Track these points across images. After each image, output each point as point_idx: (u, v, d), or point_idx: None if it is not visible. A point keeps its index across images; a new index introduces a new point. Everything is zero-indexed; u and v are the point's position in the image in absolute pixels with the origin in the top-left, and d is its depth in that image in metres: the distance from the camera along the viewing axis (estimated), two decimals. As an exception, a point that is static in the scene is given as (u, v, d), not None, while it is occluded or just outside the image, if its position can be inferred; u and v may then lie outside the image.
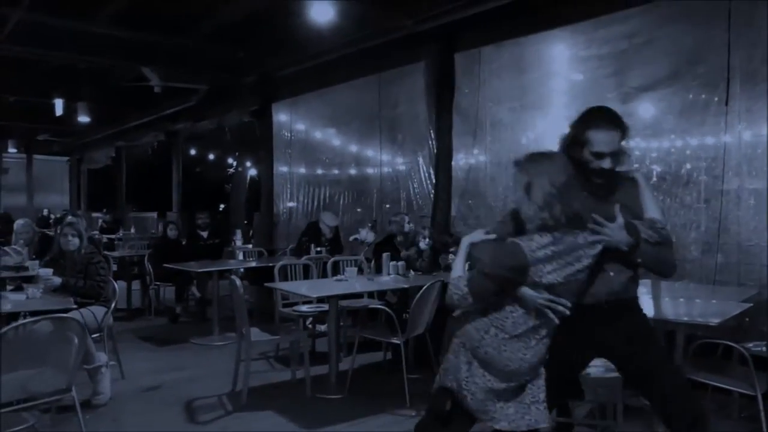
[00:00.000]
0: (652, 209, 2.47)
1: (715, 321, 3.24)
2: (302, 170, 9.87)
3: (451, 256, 5.67)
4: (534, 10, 5.69)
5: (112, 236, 11.43)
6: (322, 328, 5.59)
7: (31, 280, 4.66)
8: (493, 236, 2.43)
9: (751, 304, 3.74)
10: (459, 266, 2.40)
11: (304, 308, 5.41)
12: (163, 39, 7.79)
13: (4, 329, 3.00)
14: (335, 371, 4.53)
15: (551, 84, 6.16)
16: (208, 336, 6.24)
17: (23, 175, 17.71)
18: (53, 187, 19.14)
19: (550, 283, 2.22)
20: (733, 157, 4.84)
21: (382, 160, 8.31)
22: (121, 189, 16.11)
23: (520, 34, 6.10)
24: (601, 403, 3.60)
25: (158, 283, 7.59)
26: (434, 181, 6.99)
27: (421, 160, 7.32)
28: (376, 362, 5.25)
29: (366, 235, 6.68)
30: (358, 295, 5.48)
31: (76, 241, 4.67)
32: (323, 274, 5.99)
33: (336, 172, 9.27)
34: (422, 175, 7.36)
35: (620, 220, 2.34)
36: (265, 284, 5.31)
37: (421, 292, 4.30)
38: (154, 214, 14.99)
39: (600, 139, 2.40)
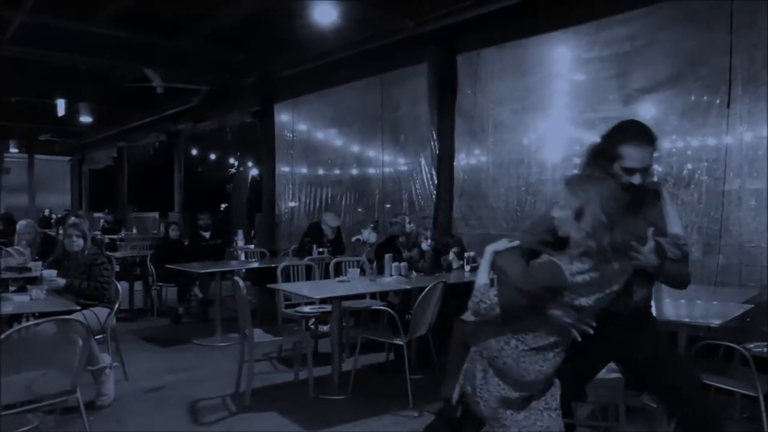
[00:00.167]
0: (674, 224, 2.48)
1: (716, 322, 3.26)
2: (304, 170, 9.89)
3: (452, 256, 5.70)
4: (536, 12, 5.72)
5: (114, 237, 11.45)
6: (325, 329, 5.60)
7: (34, 281, 4.68)
8: (516, 242, 2.41)
9: (752, 305, 3.76)
10: (484, 274, 2.37)
11: (307, 309, 5.43)
12: (164, 40, 7.82)
13: (8, 331, 3.02)
14: (338, 372, 4.55)
15: (553, 85, 6.18)
16: (210, 337, 6.26)
17: (24, 176, 17.75)
18: (54, 187, 19.18)
19: (581, 306, 2.23)
20: (734, 158, 4.86)
21: (384, 161, 8.33)
22: (122, 189, 16.13)
23: (521, 36, 6.12)
24: (603, 404, 3.61)
25: (160, 283, 7.60)
26: (436, 181, 7.01)
27: (423, 160, 7.34)
28: (379, 363, 5.26)
29: (368, 235, 6.69)
30: (360, 296, 5.50)
31: (81, 242, 4.68)
32: (325, 275, 6.00)
33: (338, 172, 9.28)
34: (424, 175, 7.38)
35: (651, 243, 2.35)
36: (268, 285, 5.32)
37: (423, 293, 4.32)
38: (156, 215, 15.00)
39: (633, 155, 2.39)
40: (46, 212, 16.50)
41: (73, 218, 6.58)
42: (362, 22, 6.50)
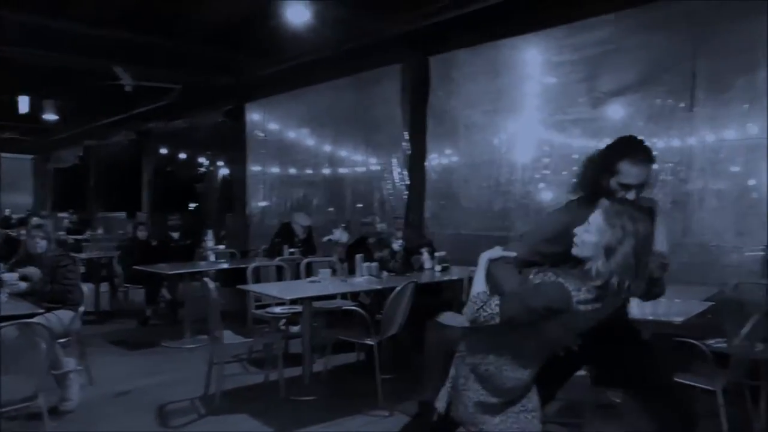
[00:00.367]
0: (661, 242, 2.51)
1: (678, 319, 3.35)
2: (276, 170, 9.83)
3: (425, 256, 5.73)
4: (508, 15, 5.78)
5: (79, 237, 11.20)
6: (296, 329, 5.57)
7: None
8: (513, 254, 2.41)
9: (713, 303, 3.86)
10: (481, 282, 2.34)
11: (278, 310, 5.39)
12: (135, 37, 7.67)
13: (-31, 335, 2.94)
14: (309, 373, 4.53)
15: (524, 88, 6.26)
16: (179, 339, 6.17)
17: (-14, 174, 17.25)
18: (17, 186, 18.65)
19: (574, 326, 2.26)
20: (698, 160, 4.99)
21: (357, 161, 8.33)
22: (89, 189, 15.80)
23: (494, 39, 6.19)
24: (571, 401, 3.68)
25: (128, 285, 7.46)
26: (408, 182, 7.04)
27: (395, 161, 7.36)
28: (350, 363, 5.26)
29: (340, 235, 6.65)
30: (331, 297, 5.48)
31: (44, 243, 4.57)
32: (296, 276, 5.97)
33: (310, 172, 9.25)
34: (396, 176, 7.41)
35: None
36: (238, 286, 5.27)
37: (394, 293, 4.33)
38: (124, 215, 14.72)
39: (631, 172, 2.41)
40: (7, 212, 16.04)
41: (36, 219, 6.43)
42: (337, 23, 6.48)
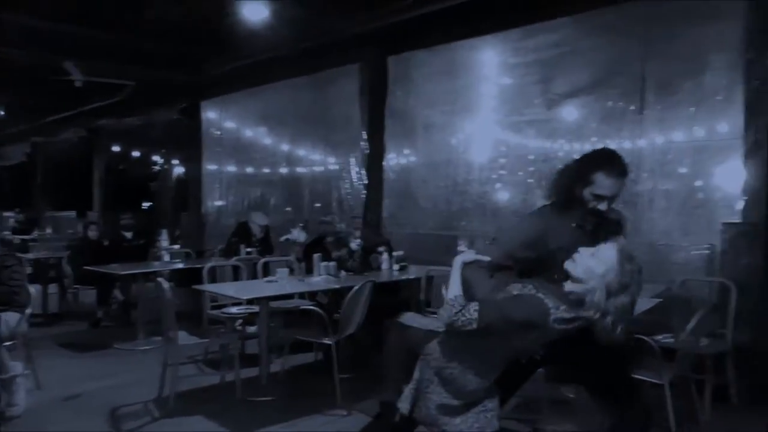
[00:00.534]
0: None
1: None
2: (232, 169, 9.69)
3: (384, 256, 5.73)
4: (466, 16, 5.84)
5: (26, 237, 10.79)
6: (252, 329, 5.50)
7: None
8: (486, 259, 2.43)
9: (661, 300, 3.99)
10: (456, 285, 2.33)
11: (234, 310, 5.32)
12: (86, 32, 7.43)
13: None
14: (266, 373, 4.49)
15: (481, 89, 6.34)
16: (132, 341, 6.02)
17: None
18: (-41, 184, 17.88)
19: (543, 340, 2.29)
20: (647, 161, 5.15)
21: (314, 160, 8.29)
22: (36, 187, 15.25)
23: (452, 40, 6.25)
24: (526, 397, 3.74)
25: (78, 286, 7.23)
26: (366, 181, 7.04)
27: (353, 160, 7.35)
28: (308, 363, 5.23)
29: (297, 235, 6.61)
30: (288, 297, 5.44)
31: (-13, 243, 4.39)
32: (253, 275, 5.90)
33: (267, 171, 9.15)
34: (354, 175, 7.40)
35: None
36: (193, 286, 5.17)
37: (352, 292, 4.32)
38: (73, 214, 14.26)
39: (606, 183, 2.46)
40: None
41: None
42: (295, 21, 6.43)
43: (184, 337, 4.32)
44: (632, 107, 5.20)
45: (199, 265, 5.95)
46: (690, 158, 4.97)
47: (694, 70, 4.80)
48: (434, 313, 3.35)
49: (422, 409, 2.41)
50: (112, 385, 4.75)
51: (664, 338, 3.91)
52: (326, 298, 5.35)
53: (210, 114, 9.61)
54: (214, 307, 5.42)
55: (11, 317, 4.25)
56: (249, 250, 6.54)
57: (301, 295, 5.54)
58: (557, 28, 5.58)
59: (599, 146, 5.64)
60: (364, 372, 4.83)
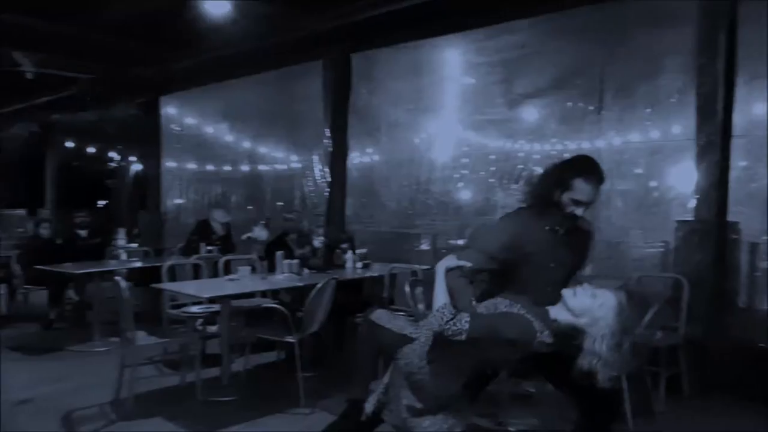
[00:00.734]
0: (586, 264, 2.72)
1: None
2: (192, 166, 9.52)
3: (348, 254, 5.72)
4: (429, 16, 5.87)
5: (-28, 236, 10.37)
6: (213, 329, 5.41)
7: None
8: (468, 264, 2.45)
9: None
10: (443, 294, 2.34)
11: (195, 309, 5.22)
12: (40, 23, 7.17)
13: None
14: (228, 373, 4.42)
15: (445, 88, 6.39)
16: (87, 342, 5.84)
17: None
18: None
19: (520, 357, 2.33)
20: (605, 161, 5.24)
21: (277, 158, 8.22)
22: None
23: (416, 38, 6.28)
24: (488, 392, 3.78)
25: (28, 286, 6.99)
26: (329, 179, 7.02)
27: (316, 158, 7.32)
28: (271, 362, 5.17)
29: (259, 233, 6.54)
30: (250, 295, 5.37)
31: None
32: (215, 274, 5.80)
33: (229, 168, 9.03)
34: (317, 173, 7.37)
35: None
36: (152, 285, 5.06)
37: (315, 289, 4.29)
38: (24, 212, 13.77)
39: (585, 189, 2.52)
40: None
41: None
42: (259, 17, 6.35)
43: (142, 337, 4.22)
44: (591, 108, 5.32)
45: (158, 264, 5.82)
46: (645, 158, 5.12)
47: (649, 73, 4.95)
48: (400, 310, 3.37)
49: (392, 411, 2.43)
50: (66, 389, 4.60)
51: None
52: (289, 297, 5.30)
53: (170, 110, 9.42)
54: (173, 307, 5.30)
55: (-42, 318, 4.08)
56: (210, 248, 6.43)
57: (264, 294, 5.47)
58: (519, 29, 5.68)
59: (559, 146, 5.82)
60: (328, 370, 4.81)
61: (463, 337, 2.20)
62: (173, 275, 5.53)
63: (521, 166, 5.90)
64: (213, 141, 9.20)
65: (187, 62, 7.98)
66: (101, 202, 16.90)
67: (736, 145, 4.49)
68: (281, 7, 6.16)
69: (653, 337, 4.11)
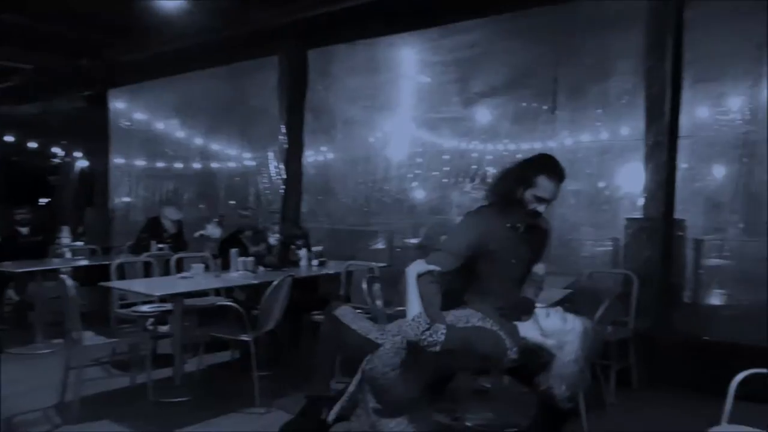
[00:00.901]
0: (542, 263, 2.79)
1: (542, 306, 3.58)
2: (143, 163, 9.25)
3: (303, 251, 5.66)
4: (385, 13, 5.87)
5: None
6: (165, 329, 5.26)
7: None
8: (437, 268, 2.45)
9: (572, 290, 4.20)
10: (416, 302, 2.34)
11: (145, 308, 5.06)
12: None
13: None
14: (180, 373, 4.30)
15: (401, 86, 6.41)
16: (29, 344, 5.59)
17: None
18: None
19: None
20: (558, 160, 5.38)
21: (231, 155, 8.08)
22: None
23: (372, 35, 6.27)
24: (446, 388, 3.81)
25: (-36, 286, 6.64)
26: (284, 176, 6.93)
27: (271, 155, 7.22)
28: (225, 362, 5.08)
29: (212, 230, 6.40)
30: (203, 294, 5.26)
31: None
32: (166, 273, 5.64)
33: (180, 165, 8.81)
34: (272, 170, 7.27)
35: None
36: (100, 283, 4.88)
37: (272, 287, 4.23)
38: (-42, 209, 13.09)
39: (548, 186, 2.57)
40: None
41: None
42: (212, 9, 6.21)
43: (89, 338, 4.06)
44: (544, 108, 5.42)
45: (105, 262, 5.62)
46: (596, 158, 5.26)
47: (601, 75, 5.09)
48: (357, 308, 3.34)
49: (360, 416, 2.44)
50: (7, 393, 4.37)
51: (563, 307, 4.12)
52: (243, 295, 5.21)
53: (118, 104, 9.12)
54: (123, 306, 5.13)
55: None
56: (161, 246, 6.25)
57: (217, 293, 5.37)
58: (473, 29, 5.74)
59: (512, 146, 5.92)
60: (283, 369, 4.74)
61: (438, 348, 2.22)
62: (122, 274, 5.36)
63: (475, 166, 5.98)
64: (164, 137, 8.97)
65: (137, 54, 7.76)
66: (43, 200, 16.24)
67: (682, 146, 4.65)
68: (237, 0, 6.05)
69: (604, 331, 4.21)
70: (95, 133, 9.16)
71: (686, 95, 4.60)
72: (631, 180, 4.97)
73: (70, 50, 7.94)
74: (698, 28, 4.45)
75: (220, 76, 7.70)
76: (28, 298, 6.43)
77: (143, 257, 5.78)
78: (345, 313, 2.66)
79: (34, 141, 13.74)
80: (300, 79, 6.81)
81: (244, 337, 4.23)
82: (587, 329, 2.30)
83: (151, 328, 5.19)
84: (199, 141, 8.56)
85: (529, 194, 2.60)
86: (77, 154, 14.20)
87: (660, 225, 4.62)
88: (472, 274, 2.68)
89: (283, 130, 6.88)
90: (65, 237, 8.36)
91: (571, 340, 2.25)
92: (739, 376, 2.59)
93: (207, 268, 5.26)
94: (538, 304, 2.74)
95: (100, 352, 4.94)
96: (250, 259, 5.16)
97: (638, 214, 4.76)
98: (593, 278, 4.76)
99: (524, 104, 5.62)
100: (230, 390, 4.42)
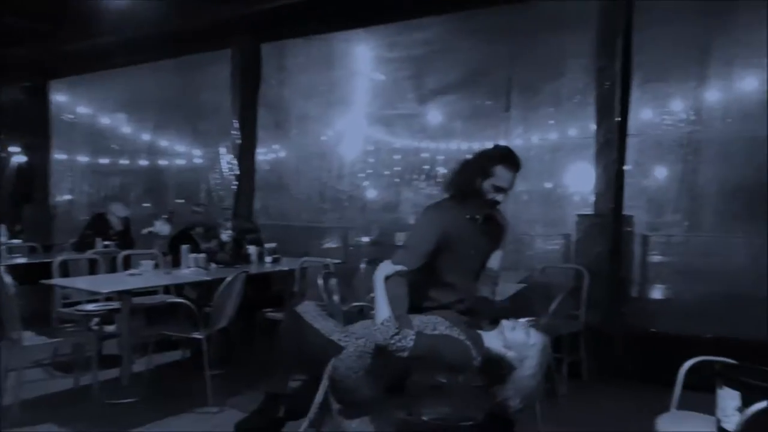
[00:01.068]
0: (496, 260, 2.84)
1: (498, 299, 3.63)
2: (86, 158, 8.91)
3: (254, 248, 5.55)
4: (340, 7, 5.82)
5: None
6: (111, 328, 5.07)
7: None
8: (404, 268, 2.46)
9: (526, 284, 4.26)
10: (384, 306, 2.33)
11: (90, 307, 4.86)
12: None
13: None
14: (128, 374, 4.14)
15: (356, 81, 6.39)
16: (-38, 346, 5.28)
17: None
18: None
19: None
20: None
21: (181, 150, 7.87)
22: None
23: (328, 30, 6.21)
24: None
25: None
26: (237, 172, 6.79)
27: (223, 150, 7.06)
28: (175, 361, 4.93)
29: (161, 227, 6.20)
30: (152, 292, 5.09)
31: None
32: (113, 270, 5.43)
33: (128, 161, 8.52)
34: (224, 166, 7.10)
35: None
36: (41, 281, 4.65)
37: (225, 283, 4.13)
38: None
39: (504, 176, 2.63)
40: None
41: None
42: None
43: (29, 338, 3.86)
44: (498, 106, 5.50)
45: (47, 260, 5.36)
46: (549, 155, 5.37)
47: (554, 74, 5.19)
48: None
49: (328, 421, 2.43)
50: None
51: (528, 321, 4.18)
52: (195, 293, 5.06)
53: (60, 96, 8.75)
54: (66, 305, 4.91)
55: None
56: (106, 243, 6.02)
57: (166, 291, 5.21)
58: (429, 26, 5.77)
59: (464, 145, 5.97)
60: (236, 367, 4.64)
61: (406, 354, 2.23)
62: (66, 272, 5.12)
63: (427, 166, 6.01)
64: (109, 132, 8.66)
65: (80, 44, 7.43)
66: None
67: (630, 144, 4.79)
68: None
69: (557, 325, 4.30)
70: (35, 127, 8.76)
71: (635, 95, 4.73)
72: (582, 177, 5.09)
73: (7, 38, 7.55)
74: (647, 30, 4.59)
75: (169, 70, 7.49)
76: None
77: (88, 254, 5.55)
78: (308, 309, 2.61)
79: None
80: (253, 73, 6.69)
81: (197, 335, 4.11)
82: (545, 344, 2.37)
83: (96, 328, 4.99)
84: (147, 136, 8.30)
85: (487, 184, 2.64)
86: (14, 148, 13.57)
87: (610, 221, 4.74)
88: (433, 268, 2.68)
89: (236, 125, 6.74)
90: (1, 235, 7.95)
91: (532, 356, 2.31)
92: (687, 364, 2.68)
93: (156, 266, 5.09)
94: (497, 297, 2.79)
95: (41, 352, 4.73)
96: (202, 255, 5.03)
97: (589, 211, 4.87)
98: (546, 273, 4.84)
99: (478, 102, 5.69)
100: (181, 390, 4.29)
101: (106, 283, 4.49)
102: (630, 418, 3.69)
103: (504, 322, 2.38)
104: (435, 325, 2.40)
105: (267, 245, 5.63)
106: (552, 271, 4.89)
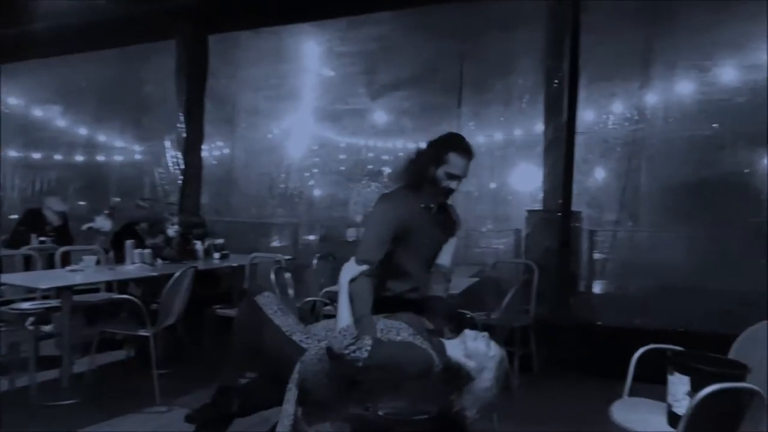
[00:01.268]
0: (449, 254, 2.82)
1: (455, 292, 3.66)
2: (16, 153, 8.46)
3: (202, 243, 5.40)
4: (291, 1, 5.74)
5: None
6: (48, 328, 4.80)
7: None
8: (366, 268, 2.40)
9: (479, 279, 4.31)
10: (347, 312, 2.28)
11: (26, 306, 4.59)
12: None
13: None
14: (68, 374, 3.94)
15: (307, 75, 6.32)
16: None
17: None
18: None
19: None
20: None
21: (123, 144, 7.57)
22: None
23: (277, 23, 6.11)
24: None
25: None
26: (182, 167, 6.59)
27: (168, 144, 6.83)
28: (119, 361, 4.73)
29: (102, 223, 5.94)
30: (94, 290, 4.86)
31: None
32: (50, 267, 5.16)
33: (63, 155, 8.14)
34: (169, 161, 6.89)
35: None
36: (-30, 279, 4.36)
37: (172, 280, 3.99)
38: None
39: (457, 163, 2.59)
40: None
41: None
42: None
43: (-41, 339, 3.63)
44: (450, 102, 5.55)
45: (-25, 257, 5.04)
46: (499, 152, 5.46)
47: (504, 72, 5.28)
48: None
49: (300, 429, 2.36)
50: None
51: (479, 315, 4.23)
52: (139, 290, 4.88)
53: (-12, 86, 8.26)
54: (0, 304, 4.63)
55: None
56: (42, 239, 5.72)
57: (109, 288, 4.99)
58: (381, 21, 5.76)
59: (417, 139, 6.00)
60: (184, 366, 4.50)
61: (361, 364, 2.19)
62: (-2, 269, 4.83)
63: (370, 166, 6.02)
64: (44, 124, 8.24)
65: (11, 30, 7.02)
66: None
67: (578, 141, 4.93)
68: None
69: (509, 319, 4.37)
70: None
71: (582, 94, 4.87)
72: (531, 174, 5.20)
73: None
74: (593, 31, 4.73)
75: (109, 60, 7.19)
76: None
77: (23, 251, 5.26)
78: (268, 302, 2.52)
79: None
80: (200, 65, 6.50)
81: (143, 333, 3.95)
82: (503, 357, 2.38)
83: (32, 327, 4.72)
84: (86, 129, 7.96)
85: (441, 172, 2.63)
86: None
87: (558, 217, 4.85)
88: (389, 257, 2.66)
89: (182, 118, 6.54)
90: None
91: (490, 367, 2.31)
92: (639, 351, 2.76)
93: (98, 262, 4.87)
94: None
95: (-29, 354, 4.43)
96: (148, 251, 4.86)
97: (538, 207, 4.98)
98: (497, 268, 4.92)
99: (430, 98, 5.72)
100: (127, 390, 4.12)
101: (44, 279, 4.25)
102: (582, 407, 3.78)
103: (467, 332, 2.39)
104: (399, 330, 2.38)
105: (216, 241, 5.49)
106: (503, 266, 4.97)
